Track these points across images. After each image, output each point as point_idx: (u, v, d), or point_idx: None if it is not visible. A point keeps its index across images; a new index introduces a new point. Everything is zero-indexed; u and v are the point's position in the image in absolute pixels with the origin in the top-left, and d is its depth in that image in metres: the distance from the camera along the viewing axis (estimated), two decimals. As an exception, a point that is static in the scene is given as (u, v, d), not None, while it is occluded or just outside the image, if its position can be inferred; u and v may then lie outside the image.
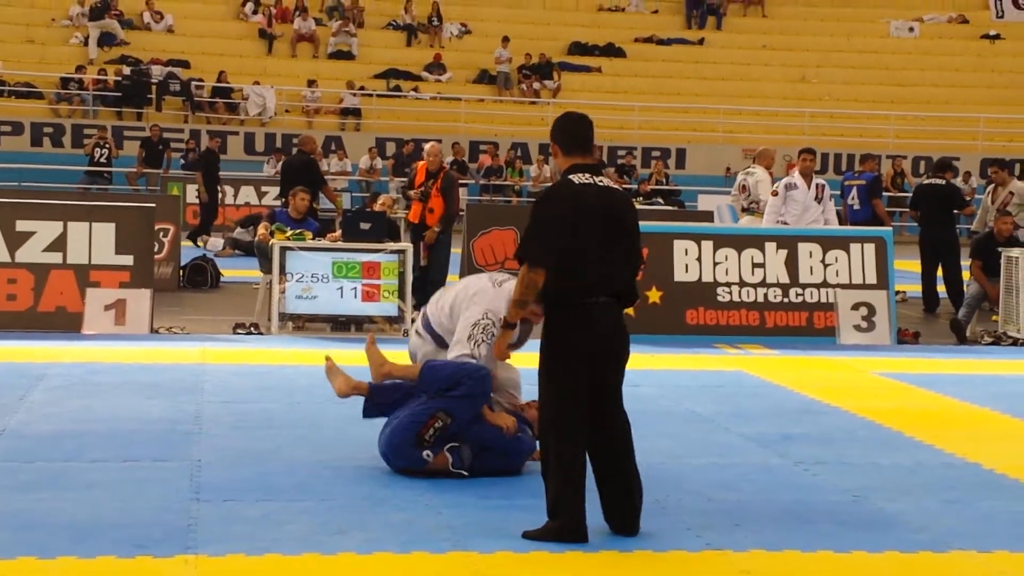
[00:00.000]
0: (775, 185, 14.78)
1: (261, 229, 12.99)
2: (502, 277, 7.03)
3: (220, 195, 22.38)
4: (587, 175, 5.88)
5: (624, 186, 23.22)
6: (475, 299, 6.91)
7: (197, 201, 22.46)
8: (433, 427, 6.75)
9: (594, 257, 5.78)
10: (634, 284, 5.97)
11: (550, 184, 6.45)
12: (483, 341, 6.77)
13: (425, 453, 6.77)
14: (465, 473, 6.81)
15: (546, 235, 5.78)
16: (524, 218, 18.50)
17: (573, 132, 5.96)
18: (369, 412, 7.11)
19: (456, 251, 17.62)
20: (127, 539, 5.60)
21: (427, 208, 13.59)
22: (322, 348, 11.38)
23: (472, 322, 6.84)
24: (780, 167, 23.26)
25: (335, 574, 5.34)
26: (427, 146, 14.20)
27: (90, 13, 32.71)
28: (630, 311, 6.02)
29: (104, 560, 5.34)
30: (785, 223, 14.25)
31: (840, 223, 16.91)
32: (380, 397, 7.05)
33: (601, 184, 5.88)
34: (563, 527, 5.75)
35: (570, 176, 5.89)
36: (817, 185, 14.57)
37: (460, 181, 29.88)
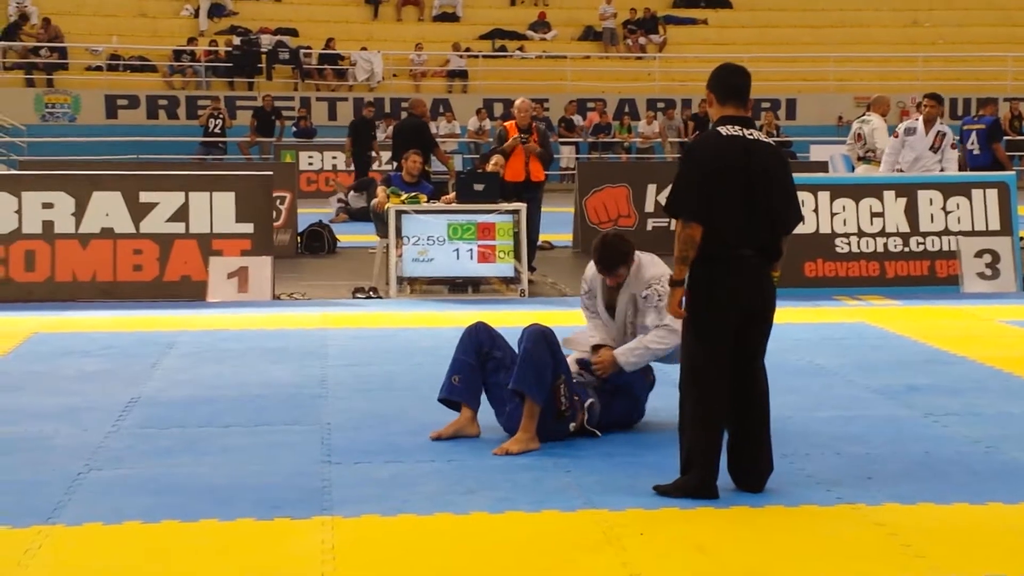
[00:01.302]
0: (897, 128, 14.48)
1: (380, 194, 13.10)
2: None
3: (374, 161, 22.51)
4: (737, 127, 5.83)
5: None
6: (649, 276, 6.92)
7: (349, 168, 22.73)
8: (562, 396, 6.74)
9: (736, 209, 5.73)
10: (778, 240, 5.86)
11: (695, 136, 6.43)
12: (657, 305, 6.84)
13: (571, 426, 6.80)
14: (598, 433, 6.84)
15: (693, 188, 5.75)
16: (635, 175, 18.61)
17: (729, 82, 5.91)
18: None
19: (568, 210, 17.65)
20: (265, 501, 5.73)
21: (527, 166, 13.65)
22: (440, 311, 11.50)
23: (646, 294, 6.88)
24: (895, 114, 22.86)
25: (468, 533, 5.41)
26: (518, 102, 14.20)
27: (199, -15, 33.18)
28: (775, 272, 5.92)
29: (244, 522, 5.47)
30: (900, 170, 14.00)
31: (960, 169, 16.59)
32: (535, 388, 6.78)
33: (750, 137, 5.82)
34: (695, 482, 5.76)
35: (718, 128, 5.86)
36: (937, 133, 14.21)
37: (569, 139, 30.02)
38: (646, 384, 7.12)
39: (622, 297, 7.01)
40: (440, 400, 7.03)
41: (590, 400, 6.86)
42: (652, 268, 6.95)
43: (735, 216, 5.74)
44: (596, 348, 7.04)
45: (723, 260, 5.76)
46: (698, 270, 5.81)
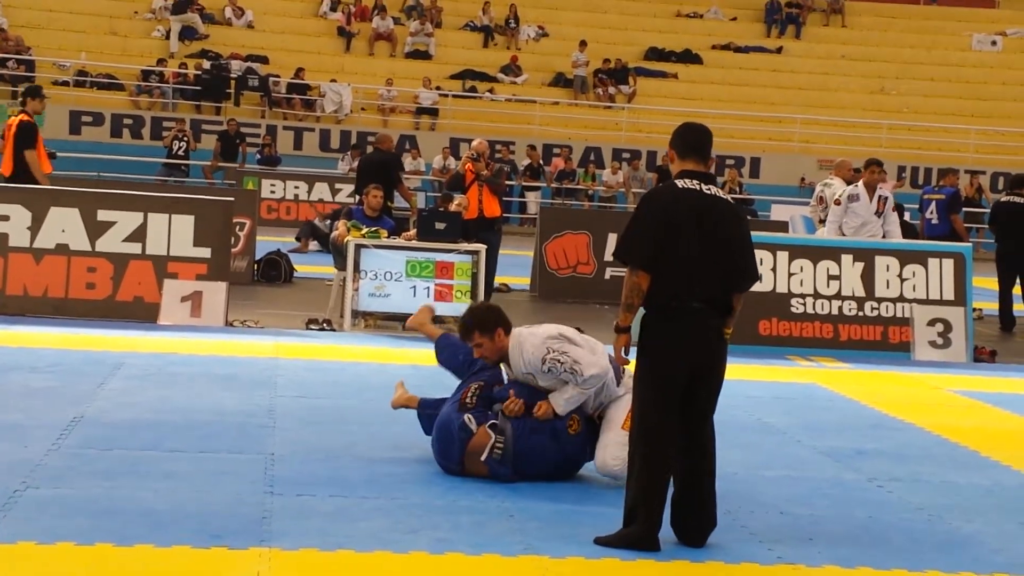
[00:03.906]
0: (838, 194, 14.50)
1: (340, 227, 13.07)
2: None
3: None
4: (695, 181, 5.87)
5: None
6: (532, 356, 6.86)
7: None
8: (471, 392, 6.93)
9: (687, 261, 5.75)
10: (728, 295, 5.87)
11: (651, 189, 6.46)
12: (568, 366, 6.74)
13: (467, 417, 6.80)
14: (506, 472, 6.76)
15: (643, 236, 5.78)
16: (597, 223, 18.64)
17: (688, 138, 5.98)
18: (425, 424, 7.30)
19: (528, 253, 17.67)
20: (203, 529, 5.67)
21: (480, 202, 13.89)
22: (394, 346, 11.45)
23: (549, 367, 6.80)
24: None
25: (407, 572, 5.36)
26: (475, 142, 14.40)
27: (172, 7, 33.13)
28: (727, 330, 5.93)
29: (180, 549, 5.40)
30: (843, 235, 14.03)
31: (918, 238, 16.74)
32: (428, 408, 7.26)
33: (707, 192, 5.86)
34: (637, 535, 5.75)
35: (676, 180, 5.89)
36: (880, 198, 14.23)
37: (533, 184, 30.11)
38: (569, 433, 6.91)
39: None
40: None
41: (493, 422, 6.83)
42: (528, 344, 6.84)
43: (685, 269, 5.76)
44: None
45: (672, 312, 5.77)
46: (649, 322, 5.82)
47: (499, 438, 6.76)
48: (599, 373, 6.75)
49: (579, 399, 6.83)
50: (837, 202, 14.33)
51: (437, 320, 12.50)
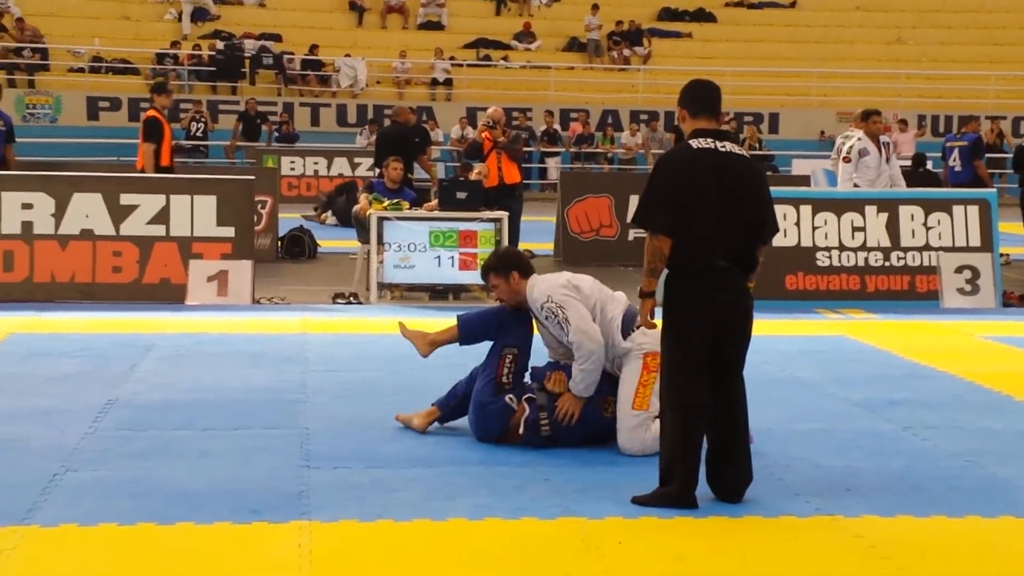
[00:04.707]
0: (845, 151, 14.40)
1: (361, 200, 13.08)
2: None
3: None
4: (709, 140, 5.83)
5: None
6: (534, 301, 6.90)
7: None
8: (505, 366, 6.86)
9: (709, 221, 5.73)
10: (753, 251, 5.86)
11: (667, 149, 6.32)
12: (563, 325, 6.73)
13: (508, 398, 6.80)
14: (545, 430, 6.75)
15: (661, 199, 5.76)
16: (618, 185, 18.62)
17: (698, 95, 5.93)
18: (469, 341, 7.19)
19: (550, 219, 17.65)
20: (242, 505, 5.70)
21: (500, 170, 13.89)
22: (421, 317, 11.45)
23: (545, 316, 6.82)
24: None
25: (447, 540, 5.39)
26: (490, 110, 14.36)
27: (183, -12, 33.13)
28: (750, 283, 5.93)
29: (222, 526, 5.44)
30: (857, 187, 13.96)
31: (941, 186, 16.66)
32: (468, 330, 7.13)
33: (722, 149, 5.82)
34: (674, 493, 5.76)
35: (690, 141, 5.86)
36: (885, 145, 14.20)
37: (551, 150, 30.04)
38: (604, 416, 6.88)
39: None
40: None
41: (528, 395, 6.83)
42: (537, 288, 6.88)
43: (707, 228, 5.73)
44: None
45: (697, 272, 5.76)
46: (674, 283, 5.81)
47: (542, 414, 6.75)
48: (584, 340, 6.63)
49: (591, 376, 6.71)
50: (847, 159, 14.24)
51: (459, 289, 12.56)
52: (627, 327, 6.76)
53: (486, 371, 6.97)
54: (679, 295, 5.80)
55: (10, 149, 14.78)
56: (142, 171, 13.88)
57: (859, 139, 14.11)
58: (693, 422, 5.79)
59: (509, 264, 7.03)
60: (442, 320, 10.71)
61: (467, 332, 7.13)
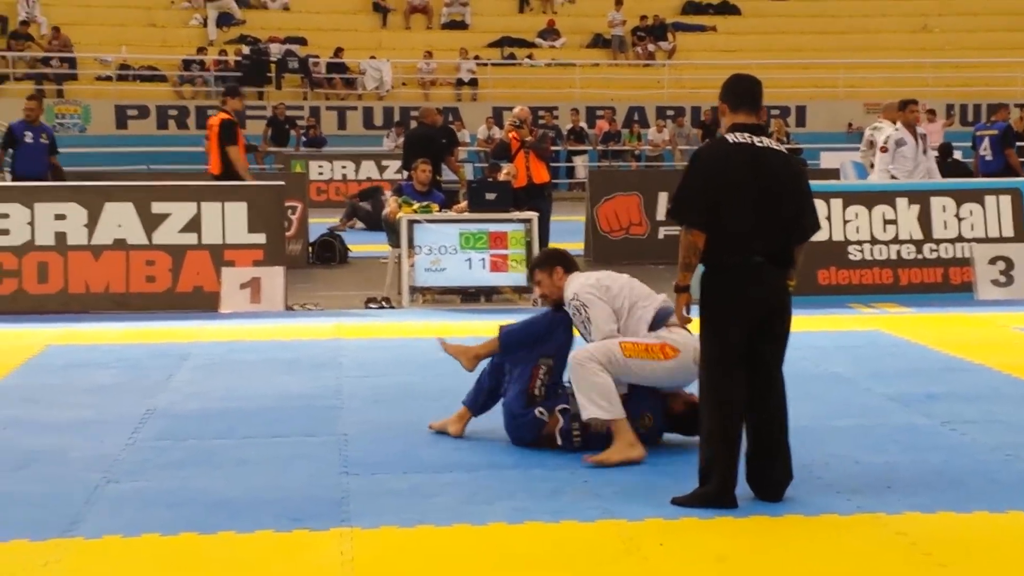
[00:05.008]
0: (882, 140, 14.37)
1: (391, 204, 13.10)
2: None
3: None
4: (746, 134, 5.82)
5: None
6: (567, 296, 6.92)
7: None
8: (539, 378, 6.83)
9: (744, 216, 5.71)
10: (790, 248, 5.83)
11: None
12: (584, 325, 6.75)
13: (538, 411, 6.80)
14: (577, 442, 6.72)
15: (695, 194, 5.75)
16: (646, 183, 18.55)
17: (738, 89, 5.91)
18: (510, 352, 7.07)
19: (580, 218, 17.63)
20: (283, 513, 5.72)
21: (528, 169, 13.86)
22: (453, 320, 11.48)
23: (572, 311, 6.84)
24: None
25: (487, 544, 5.39)
26: (516, 109, 14.33)
27: (207, -6, 33.27)
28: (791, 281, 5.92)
29: (263, 534, 5.46)
30: (894, 178, 13.90)
31: (972, 175, 16.57)
32: (509, 340, 7.06)
33: (759, 144, 5.80)
34: (712, 492, 5.75)
35: (727, 135, 5.85)
36: (922, 136, 14.15)
37: (578, 148, 30.02)
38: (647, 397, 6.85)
39: None
40: None
41: (562, 406, 6.81)
42: (571, 285, 6.91)
43: (743, 223, 5.72)
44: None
45: (733, 268, 5.75)
46: (709, 279, 5.81)
47: (575, 424, 6.73)
48: (595, 349, 6.59)
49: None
50: (884, 149, 14.18)
51: (491, 291, 12.56)
52: (658, 324, 6.75)
53: (519, 380, 6.90)
54: (714, 291, 5.79)
55: (56, 160, 14.90)
56: (217, 177, 13.85)
57: (896, 129, 14.06)
58: (729, 419, 5.78)
59: (553, 259, 7.09)
60: (474, 322, 10.77)
61: (508, 343, 7.04)
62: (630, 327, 6.73)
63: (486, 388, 7.13)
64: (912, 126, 13.98)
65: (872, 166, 15.58)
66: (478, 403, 7.17)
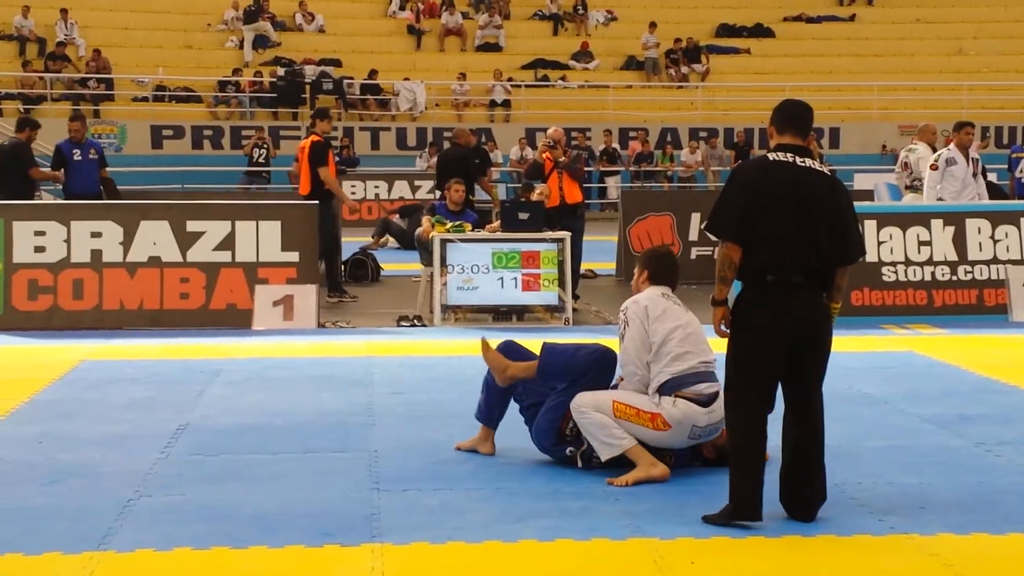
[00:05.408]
0: (933, 159, 14.39)
1: (424, 223, 13.14)
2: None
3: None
4: (788, 154, 5.82)
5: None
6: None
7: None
8: (571, 419, 6.75)
9: (781, 234, 5.70)
10: (828, 268, 5.79)
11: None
12: (620, 339, 6.71)
13: (568, 450, 6.79)
14: (597, 461, 6.69)
15: (731, 207, 5.75)
16: (679, 203, 18.53)
17: (786, 112, 5.92)
18: (547, 381, 6.97)
19: (612, 238, 17.62)
20: (313, 528, 5.74)
21: (561, 189, 13.83)
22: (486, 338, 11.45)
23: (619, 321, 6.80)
24: (941, 143, 22.72)
25: (518, 561, 5.39)
26: (551, 131, 14.39)
27: (244, 17, 33.47)
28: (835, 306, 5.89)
29: (294, 549, 5.48)
30: (942, 199, 13.89)
31: (1007, 197, 16.48)
32: (548, 371, 6.93)
33: (801, 164, 5.80)
34: (735, 508, 5.74)
35: (768, 153, 5.86)
36: (974, 160, 14.15)
37: (611, 169, 30.04)
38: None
39: None
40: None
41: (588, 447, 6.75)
42: (638, 296, 6.77)
43: (780, 241, 5.71)
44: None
45: (768, 285, 5.74)
46: (742, 296, 5.80)
47: (595, 459, 6.69)
48: (627, 364, 6.59)
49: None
50: (934, 167, 14.16)
51: (522, 311, 12.55)
52: (671, 388, 6.55)
53: (552, 412, 6.79)
54: (747, 308, 5.78)
55: (106, 173, 15.03)
56: (307, 197, 13.93)
57: (948, 149, 14.10)
58: (750, 436, 5.75)
59: (648, 263, 6.80)
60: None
61: (547, 374, 6.87)
62: (652, 357, 6.60)
63: (496, 397, 7.10)
64: (965, 148, 14.02)
65: (908, 187, 15.55)
66: (493, 419, 7.17)
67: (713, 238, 5.94)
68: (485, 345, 7.21)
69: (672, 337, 6.55)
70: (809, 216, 5.73)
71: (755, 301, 5.76)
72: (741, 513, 5.71)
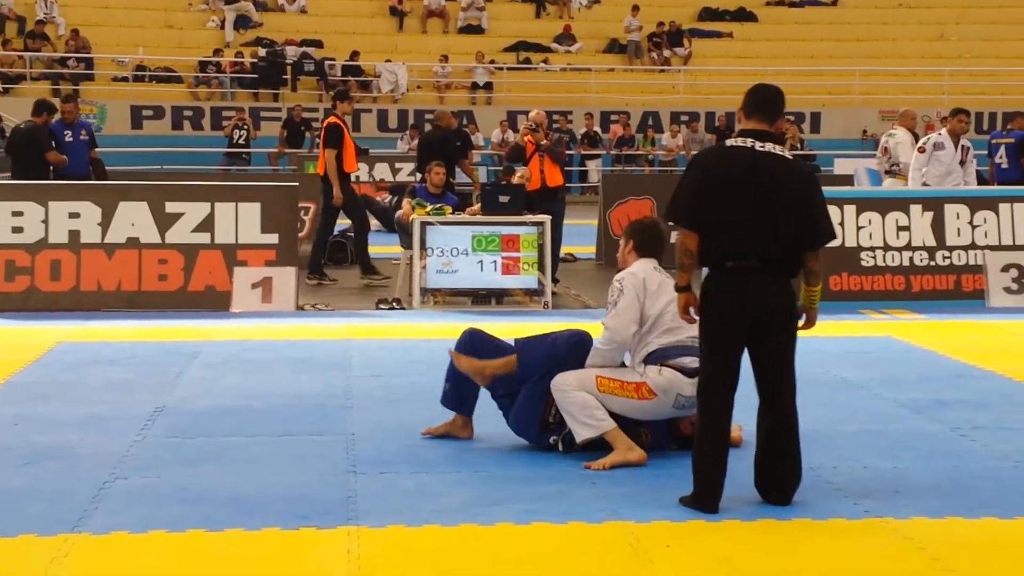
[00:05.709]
0: (922, 141, 14.44)
1: (405, 206, 13.12)
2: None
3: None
4: (748, 140, 5.80)
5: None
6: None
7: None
8: (553, 405, 6.73)
9: (739, 219, 5.68)
10: (789, 254, 5.75)
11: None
12: (611, 305, 6.69)
13: (552, 439, 6.79)
14: (579, 443, 6.69)
15: (688, 195, 5.76)
16: (659, 187, 18.48)
17: (753, 97, 5.91)
18: (527, 373, 6.92)
19: (592, 222, 17.63)
20: (290, 511, 5.73)
21: (542, 172, 13.81)
22: (464, 322, 11.45)
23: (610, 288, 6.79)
24: (921, 129, 22.75)
25: (494, 544, 5.40)
26: (532, 113, 14.34)
27: (225, -3, 33.35)
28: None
29: (269, 531, 5.47)
30: (926, 184, 13.94)
31: (988, 183, 16.53)
32: (527, 364, 6.89)
33: (760, 149, 5.77)
34: (692, 495, 5.79)
35: (727, 140, 5.86)
36: (963, 147, 14.21)
37: (592, 152, 30.03)
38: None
39: None
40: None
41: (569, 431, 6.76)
42: (628, 267, 6.73)
43: (738, 227, 5.69)
44: None
45: (729, 271, 5.74)
46: (706, 282, 5.81)
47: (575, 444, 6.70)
48: (614, 334, 6.57)
49: (600, 360, 6.64)
50: (921, 150, 14.22)
51: (502, 294, 12.55)
52: (658, 358, 6.60)
53: (532, 403, 6.77)
54: (710, 293, 5.79)
55: (96, 154, 15.01)
56: (323, 177, 14.07)
57: (939, 134, 14.19)
58: (712, 419, 5.77)
59: (635, 233, 6.76)
60: (484, 324, 10.74)
61: (528, 368, 6.82)
62: (640, 333, 6.66)
63: (461, 380, 7.01)
64: (957, 135, 14.12)
65: (887, 172, 15.59)
66: (466, 404, 7.10)
67: (671, 224, 5.93)
68: (457, 357, 7.07)
69: (667, 311, 6.56)
70: (768, 201, 5.71)
71: (718, 286, 5.77)
72: (699, 504, 5.75)
